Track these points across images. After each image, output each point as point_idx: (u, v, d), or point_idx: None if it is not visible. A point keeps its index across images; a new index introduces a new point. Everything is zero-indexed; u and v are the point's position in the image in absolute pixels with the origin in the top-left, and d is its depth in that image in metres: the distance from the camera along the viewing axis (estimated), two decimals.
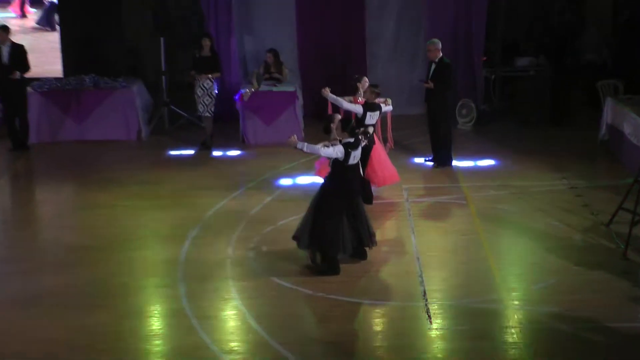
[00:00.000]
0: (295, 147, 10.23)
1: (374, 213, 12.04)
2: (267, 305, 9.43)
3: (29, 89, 16.80)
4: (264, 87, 16.76)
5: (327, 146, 10.44)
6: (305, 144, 10.34)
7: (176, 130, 17.64)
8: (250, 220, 12.17)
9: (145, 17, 18.71)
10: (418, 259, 10.59)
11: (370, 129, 12.12)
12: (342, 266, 10.28)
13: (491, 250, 10.89)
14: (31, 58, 16.33)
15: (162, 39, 17.86)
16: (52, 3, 19.80)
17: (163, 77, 18.07)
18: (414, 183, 13.89)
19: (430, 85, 14.36)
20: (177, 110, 17.89)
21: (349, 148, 10.26)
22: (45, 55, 19.08)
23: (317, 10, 18.45)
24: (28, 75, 16.42)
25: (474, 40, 18.18)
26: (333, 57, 18.65)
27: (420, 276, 10.04)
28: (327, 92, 12.57)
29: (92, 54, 18.26)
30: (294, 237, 10.53)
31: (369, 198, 12.54)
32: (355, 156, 10.42)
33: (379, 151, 13.00)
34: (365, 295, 9.66)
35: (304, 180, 13.94)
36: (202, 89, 16.12)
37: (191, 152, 16.08)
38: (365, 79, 13.23)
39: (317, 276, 10.15)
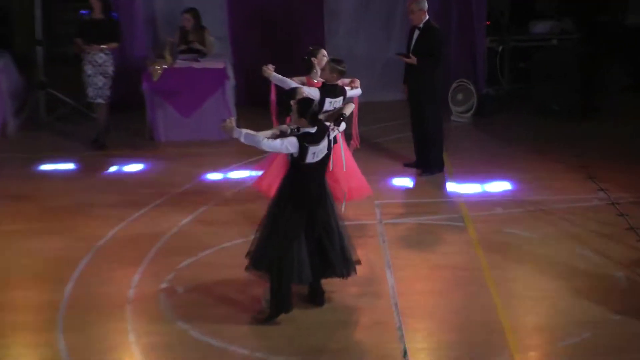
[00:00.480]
0: (231, 135, 10.12)
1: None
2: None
3: None
4: (180, 63, 16.74)
5: (278, 136, 10.27)
6: (245, 131, 10.11)
7: (56, 123, 17.57)
8: (161, 250, 12.17)
9: None
10: (396, 304, 10.55)
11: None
12: (293, 313, 10.22)
13: (499, 292, 10.85)
14: None
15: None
16: None
17: (38, 49, 17.97)
18: (390, 198, 13.96)
19: (413, 60, 14.33)
20: (58, 95, 17.80)
21: (305, 142, 10.05)
22: None
23: None
24: None
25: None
26: (275, 21, 18.68)
27: (400, 329, 9.99)
28: (269, 70, 12.38)
29: None
30: (247, 254, 10.45)
31: None
32: (316, 153, 10.19)
33: (344, 154, 12.90)
34: (324, 357, 9.61)
35: (240, 195, 14.01)
36: (92, 65, 16.01)
37: (75, 156, 16.02)
38: (323, 51, 12.97)
39: (260, 324, 10.15)
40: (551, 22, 18.74)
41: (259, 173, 12.95)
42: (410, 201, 14.00)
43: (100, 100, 16.16)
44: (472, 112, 17.60)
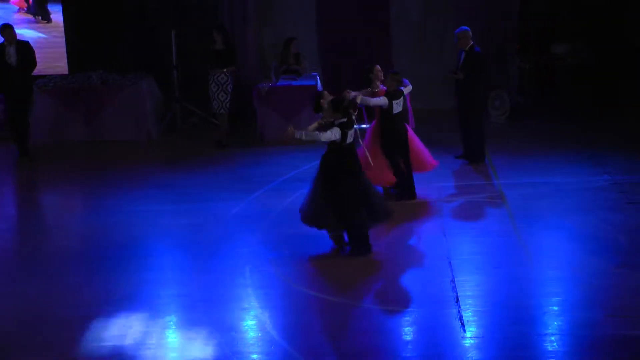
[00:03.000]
0: (294, 138, 10.63)
1: (403, 213, 12.16)
2: (289, 315, 9.45)
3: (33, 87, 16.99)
4: (282, 82, 16.82)
5: (323, 128, 10.69)
6: (304, 131, 10.66)
7: (189, 129, 17.75)
8: (271, 224, 12.24)
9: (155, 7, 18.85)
10: (450, 262, 10.55)
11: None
12: (369, 271, 10.36)
13: (528, 252, 10.85)
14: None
15: (172, 31, 17.98)
16: None
17: (174, 72, 18.20)
18: (445, 181, 13.93)
19: (460, 76, 14.38)
20: (190, 107, 18.01)
21: (344, 128, 10.64)
22: (50, 51, 19.21)
23: None
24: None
25: (507, 26, 18.21)
26: (355, 46, 18.68)
27: (453, 281, 10.00)
28: (349, 93, 11.99)
29: (99, 49, 18.44)
30: (308, 221, 10.98)
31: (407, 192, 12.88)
32: (351, 134, 10.80)
33: (412, 138, 13.15)
34: (394, 302, 9.66)
35: None
36: (216, 84, 16.23)
37: (204, 153, 16.25)
38: (377, 67, 13.12)
39: (350, 258, 10.56)
40: (568, 44, 18.53)
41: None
42: (460, 184, 13.97)
43: (222, 111, 16.37)
44: (506, 115, 17.56)
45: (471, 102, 14.52)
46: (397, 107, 12.75)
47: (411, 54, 18.83)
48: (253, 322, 9.28)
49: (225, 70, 16.26)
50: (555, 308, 9.36)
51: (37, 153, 16.66)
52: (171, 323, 9.34)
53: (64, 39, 19.24)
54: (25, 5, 19.96)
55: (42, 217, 13.75)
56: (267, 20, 18.84)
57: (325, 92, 11.23)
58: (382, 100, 12.62)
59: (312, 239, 11.44)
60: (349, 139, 10.77)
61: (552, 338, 8.68)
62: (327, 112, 10.78)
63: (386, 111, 12.68)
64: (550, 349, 8.50)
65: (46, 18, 19.81)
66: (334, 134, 10.57)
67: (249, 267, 10.73)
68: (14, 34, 16.09)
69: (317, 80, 17.08)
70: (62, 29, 19.30)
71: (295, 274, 10.48)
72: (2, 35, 16.05)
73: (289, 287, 10.13)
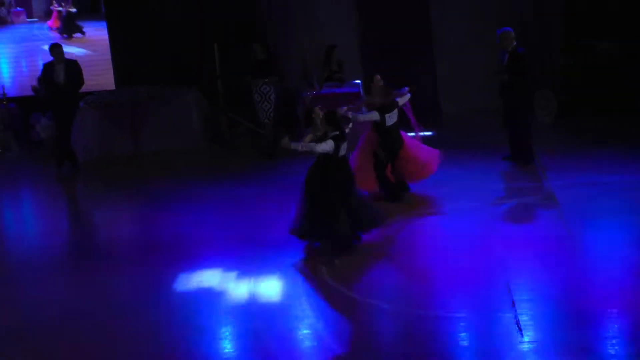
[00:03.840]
0: (291, 149, 11.11)
1: (453, 216, 12.22)
2: (342, 323, 9.38)
3: (81, 103, 17.12)
4: (326, 89, 16.81)
5: (317, 141, 11.13)
6: (300, 143, 11.20)
7: (235, 139, 17.78)
8: None
9: (197, 19, 18.90)
10: (504, 266, 10.44)
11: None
12: (423, 277, 10.31)
13: (584, 253, 10.73)
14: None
15: (215, 43, 18.03)
16: (68, 12, 20.07)
17: (219, 83, 18.24)
18: (494, 184, 13.82)
19: (505, 77, 14.23)
20: (236, 117, 18.03)
21: (338, 141, 11.07)
22: (96, 68, 19.38)
23: (378, 1, 18.46)
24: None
25: (551, 24, 18.07)
26: (396, 52, 18.60)
27: (508, 285, 9.87)
28: (346, 112, 12.23)
29: (144, 65, 18.55)
30: (296, 233, 11.40)
31: (393, 194, 13.09)
32: (344, 147, 11.25)
33: (407, 147, 13.27)
34: (449, 307, 9.56)
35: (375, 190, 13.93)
36: (259, 94, 16.23)
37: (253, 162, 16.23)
38: (377, 77, 13.37)
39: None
40: (614, 41, 18.24)
41: None
42: (510, 186, 13.86)
43: (267, 121, 16.38)
44: (553, 114, 17.38)
45: (517, 102, 14.32)
46: (390, 119, 12.91)
47: (453, 56, 18.69)
48: (308, 332, 9.23)
49: (267, 80, 16.23)
50: (614, 311, 9.20)
51: (87, 168, 16.80)
52: (227, 334, 9.37)
53: (109, 55, 19.38)
54: (59, 24, 20.17)
55: (95, 230, 13.89)
56: (308, 29, 18.79)
57: (316, 108, 11.68)
58: (373, 115, 12.82)
59: (363, 247, 11.41)
60: (342, 152, 11.21)
61: (614, 341, 8.53)
62: (321, 125, 11.34)
63: (379, 123, 12.83)
64: (612, 352, 8.35)
65: (71, 36, 20.07)
66: (328, 145, 11.01)
67: (301, 276, 10.74)
68: (63, 53, 16.22)
69: (359, 88, 17.01)
70: (107, 45, 19.41)
71: (348, 282, 10.39)
72: (51, 54, 16.20)
73: (343, 295, 10.05)
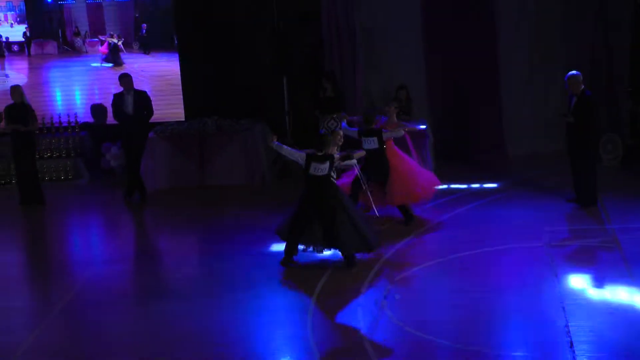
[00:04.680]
0: (273, 146, 12.38)
1: (514, 255, 12.16)
2: (401, 358, 9.36)
3: (151, 134, 17.39)
4: None
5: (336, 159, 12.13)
6: (284, 146, 12.33)
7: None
8: (382, 266, 12.21)
9: (267, 55, 19.09)
10: (563, 307, 10.36)
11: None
12: (480, 315, 10.27)
13: None
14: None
15: (284, 77, 18.22)
16: (115, 44, 20.48)
17: (286, 117, 18.42)
18: (557, 225, 13.71)
19: (571, 119, 14.23)
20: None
21: (312, 158, 11.98)
22: (167, 100, 19.67)
23: (447, 42, 18.53)
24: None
25: (618, 69, 18.01)
26: (464, 91, 18.67)
27: (567, 326, 9.82)
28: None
29: (213, 97, 18.79)
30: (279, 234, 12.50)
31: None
32: (318, 169, 11.96)
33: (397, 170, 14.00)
34: (507, 347, 9.51)
35: (437, 225, 14.06)
36: (326, 129, 16.34)
37: None
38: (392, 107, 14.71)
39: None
40: None
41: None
42: (572, 228, 13.74)
43: None
44: (619, 159, 17.27)
45: (583, 146, 14.30)
46: (367, 144, 13.75)
47: (519, 98, 18.69)
48: None
49: (334, 116, 16.38)
50: None
51: (154, 197, 17.01)
52: None
53: (180, 86, 19.67)
54: (106, 52, 20.57)
55: (158, 259, 13.99)
56: (375, 67, 18.91)
57: (339, 132, 12.56)
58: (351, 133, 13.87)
59: (421, 280, 11.43)
60: (313, 171, 12.00)
61: None
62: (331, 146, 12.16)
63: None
64: None
65: (119, 64, 20.43)
66: (300, 155, 12.07)
67: (360, 309, 10.73)
68: (132, 83, 16.52)
69: (426, 125, 17.05)
70: (178, 76, 19.71)
71: (405, 316, 10.40)
72: (120, 84, 16.50)
73: (400, 330, 10.06)
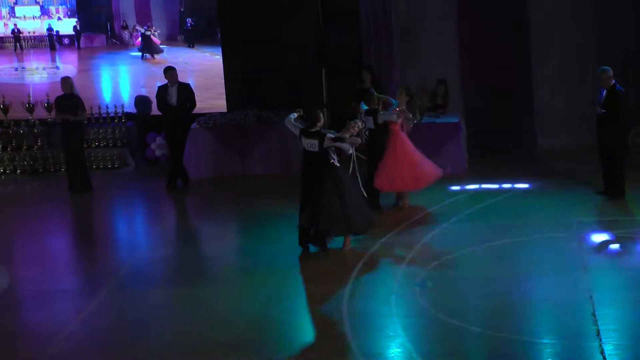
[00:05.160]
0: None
1: (541, 247, 12.13)
2: (433, 343, 9.40)
3: (194, 124, 17.48)
4: (426, 119, 16.82)
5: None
6: (291, 117, 12.80)
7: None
8: (415, 255, 12.23)
9: (306, 48, 19.09)
10: (591, 296, 10.30)
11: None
12: (510, 303, 10.27)
13: None
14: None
15: (323, 70, 18.23)
16: (143, 34, 20.60)
17: (325, 109, 18.42)
18: (586, 216, 13.64)
19: (600, 110, 14.13)
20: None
21: (303, 133, 12.32)
22: (210, 92, 19.75)
23: (481, 37, 18.48)
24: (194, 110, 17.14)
25: None
26: (497, 85, 18.60)
27: (594, 314, 9.78)
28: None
29: (254, 89, 18.84)
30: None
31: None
32: (307, 144, 12.21)
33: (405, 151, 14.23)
34: (536, 334, 9.49)
35: (469, 215, 14.02)
36: (364, 121, 16.27)
37: None
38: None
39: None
40: None
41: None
42: (600, 219, 13.67)
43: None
44: None
45: (612, 139, 14.23)
46: (368, 123, 14.27)
47: (551, 92, 18.58)
48: (399, 350, 9.27)
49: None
50: None
51: (197, 186, 17.11)
52: (318, 348, 9.50)
53: (222, 79, 19.74)
54: (140, 44, 20.70)
55: (199, 245, 14.11)
56: (411, 61, 18.87)
57: (358, 122, 12.78)
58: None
59: (453, 268, 11.44)
60: (306, 146, 12.26)
61: None
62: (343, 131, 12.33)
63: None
64: None
65: (156, 53, 20.65)
66: (295, 129, 12.53)
67: (394, 295, 10.74)
68: (176, 76, 16.63)
69: (459, 118, 17.03)
70: (221, 69, 19.78)
71: (438, 304, 10.38)
72: (165, 77, 16.60)
73: (433, 316, 10.06)
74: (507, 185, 15.60)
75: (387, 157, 14.21)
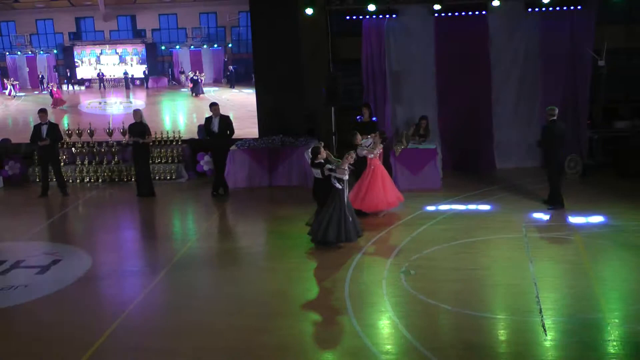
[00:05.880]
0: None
1: (498, 244, 12.02)
2: (414, 317, 9.42)
3: (233, 147, 17.51)
4: (411, 145, 16.81)
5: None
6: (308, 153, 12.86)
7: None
8: (402, 250, 12.18)
9: (320, 90, 19.10)
10: (535, 283, 10.34)
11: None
12: (473, 287, 10.26)
13: (595, 277, 10.50)
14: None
15: (332, 107, 18.24)
16: (192, 78, 20.69)
17: (333, 137, 18.42)
18: (532, 222, 13.57)
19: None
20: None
21: (310, 164, 12.72)
22: (246, 122, 19.77)
23: (454, 84, 18.47)
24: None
25: (580, 106, 17.83)
26: (465, 120, 18.56)
27: (537, 296, 9.82)
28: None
29: (280, 120, 18.85)
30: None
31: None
32: (315, 172, 12.63)
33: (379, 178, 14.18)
34: (492, 310, 9.52)
35: (443, 220, 13.93)
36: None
37: None
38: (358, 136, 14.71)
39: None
40: (627, 122, 17.96)
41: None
42: (544, 223, 13.64)
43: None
44: (579, 174, 17.09)
45: (552, 165, 14.34)
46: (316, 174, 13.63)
47: (508, 127, 18.54)
48: (388, 322, 9.29)
49: (369, 136, 16.28)
50: (616, 320, 9.07)
51: (234, 193, 17.15)
52: (325, 317, 9.49)
53: (255, 112, 19.77)
54: (191, 86, 20.76)
55: (236, 238, 14.02)
56: (400, 101, 18.86)
57: (353, 153, 12.63)
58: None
59: (430, 260, 11.36)
60: (314, 174, 12.66)
61: (615, 343, 8.45)
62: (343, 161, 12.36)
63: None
64: (612, 351, 8.29)
65: (198, 94, 20.67)
66: (306, 159, 12.94)
67: (384, 280, 10.74)
68: (219, 110, 16.67)
69: (436, 145, 16.98)
70: (254, 104, 19.80)
71: (418, 287, 10.39)
72: (210, 110, 16.66)
73: (414, 296, 10.07)
74: (471, 197, 15.55)
75: (370, 183, 14.29)
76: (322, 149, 12.64)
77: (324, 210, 12.31)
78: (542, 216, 13.99)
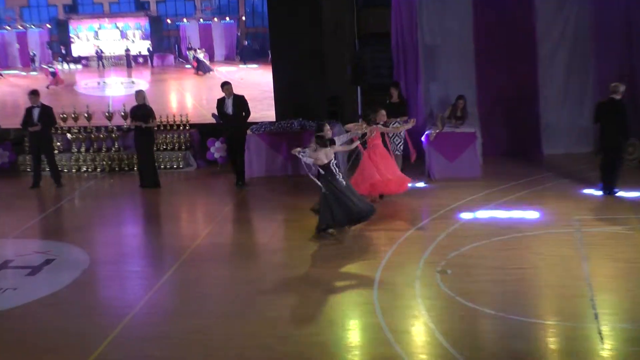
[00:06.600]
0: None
1: (547, 240, 11.94)
2: (452, 323, 9.31)
3: (248, 131, 17.49)
4: (447, 129, 16.69)
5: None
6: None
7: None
8: (437, 246, 12.09)
9: (344, 68, 19.02)
10: (589, 284, 10.18)
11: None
12: (521, 289, 10.14)
13: None
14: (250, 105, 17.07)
15: (358, 87, 18.15)
16: (195, 57, 20.79)
17: (359, 121, 18.27)
18: (584, 213, 13.42)
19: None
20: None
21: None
22: (261, 103, 19.74)
23: (494, 60, 18.35)
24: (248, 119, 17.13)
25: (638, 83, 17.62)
26: (509, 101, 18.42)
27: (592, 299, 9.65)
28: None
29: (299, 102, 18.81)
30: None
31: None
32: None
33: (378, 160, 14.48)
34: (541, 316, 9.38)
35: (483, 212, 13.80)
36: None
37: None
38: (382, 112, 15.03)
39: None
40: None
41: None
42: (599, 216, 13.44)
43: (397, 152, 16.33)
44: (639, 160, 16.89)
45: (613, 148, 14.31)
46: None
47: (557, 107, 18.36)
48: (422, 329, 9.19)
49: (398, 119, 16.22)
50: None
51: (251, 184, 17.16)
52: (352, 323, 9.46)
53: (272, 93, 19.73)
54: (196, 64, 20.77)
55: (251, 233, 14.06)
56: (434, 79, 18.73)
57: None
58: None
59: (468, 258, 11.30)
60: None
61: None
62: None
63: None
64: None
65: (204, 72, 20.78)
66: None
67: (419, 281, 10.65)
68: (231, 89, 16.63)
69: (476, 129, 16.86)
70: (271, 84, 19.76)
71: (456, 288, 10.28)
72: (222, 90, 16.61)
73: (451, 299, 9.97)
74: (515, 187, 15.40)
75: (367, 166, 14.52)
76: (328, 127, 12.94)
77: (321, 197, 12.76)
78: (597, 207, 13.81)
